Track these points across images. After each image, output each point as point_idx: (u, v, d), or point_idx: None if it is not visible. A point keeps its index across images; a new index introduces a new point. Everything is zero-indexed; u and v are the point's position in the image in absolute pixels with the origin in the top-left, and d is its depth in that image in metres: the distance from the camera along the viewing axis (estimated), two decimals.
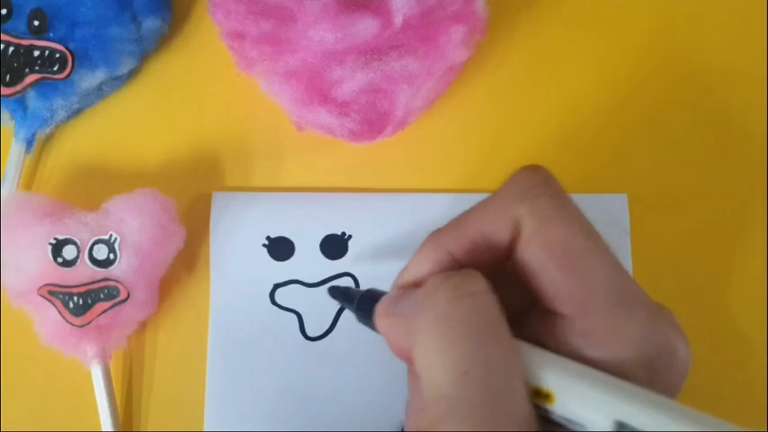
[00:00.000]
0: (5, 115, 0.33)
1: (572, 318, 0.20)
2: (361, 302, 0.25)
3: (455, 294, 0.20)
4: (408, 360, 0.21)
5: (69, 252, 0.30)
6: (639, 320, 0.20)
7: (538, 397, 0.19)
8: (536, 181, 0.21)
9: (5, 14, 0.32)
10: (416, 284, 0.22)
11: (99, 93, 0.34)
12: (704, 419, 0.18)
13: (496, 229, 0.21)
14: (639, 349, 0.19)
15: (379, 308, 0.23)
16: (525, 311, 0.22)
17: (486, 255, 0.22)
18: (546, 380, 0.19)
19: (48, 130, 0.34)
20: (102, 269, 0.30)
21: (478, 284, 0.20)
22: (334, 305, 0.33)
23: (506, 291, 0.21)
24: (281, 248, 0.33)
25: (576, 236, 0.20)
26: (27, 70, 0.32)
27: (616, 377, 0.19)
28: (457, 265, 0.22)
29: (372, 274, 0.33)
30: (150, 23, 0.33)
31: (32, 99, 0.33)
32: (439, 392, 0.19)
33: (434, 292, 0.20)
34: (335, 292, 0.29)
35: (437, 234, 0.23)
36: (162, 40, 0.35)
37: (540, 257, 0.20)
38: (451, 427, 0.18)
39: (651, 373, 0.19)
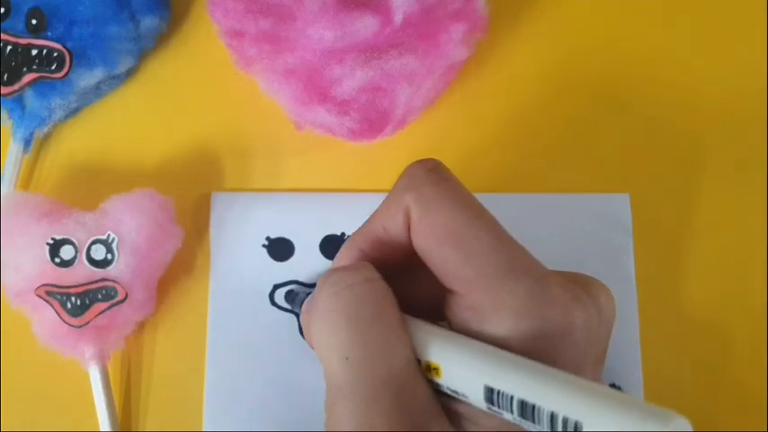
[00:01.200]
0: (3, 114, 0.33)
1: (461, 294, 0.21)
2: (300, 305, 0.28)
3: (334, 289, 0.21)
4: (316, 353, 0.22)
5: (67, 252, 0.30)
6: (521, 292, 0.20)
7: (430, 372, 0.21)
8: (421, 171, 0.23)
9: (3, 13, 0.32)
10: None
11: (97, 92, 0.34)
12: (566, 379, 0.18)
13: (392, 222, 0.23)
14: (522, 321, 0.20)
15: (303, 309, 0.26)
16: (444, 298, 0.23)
17: (391, 247, 0.23)
18: (432, 354, 0.21)
19: (45, 130, 0.34)
20: (99, 269, 0.30)
21: (358, 275, 0.22)
22: None
23: (423, 276, 0.23)
24: (280, 249, 0.33)
25: (456, 217, 0.21)
26: (25, 69, 0.32)
27: (495, 347, 0.20)
28: (369, 261, 0.23)
29: None
30: (148, 22, 0.33)
31: (30, 98, 0.33)
32: (329, 380, 0.21)
33: (319, 288, 0.22)
34: (288, 298, 0.32)
35: (353, 234, 0.24)
36: (160, 39, 0.35)
37: (427, 241, 0.22)
38: (340, 410, 0.20)
39: (540, 345, 0.20)
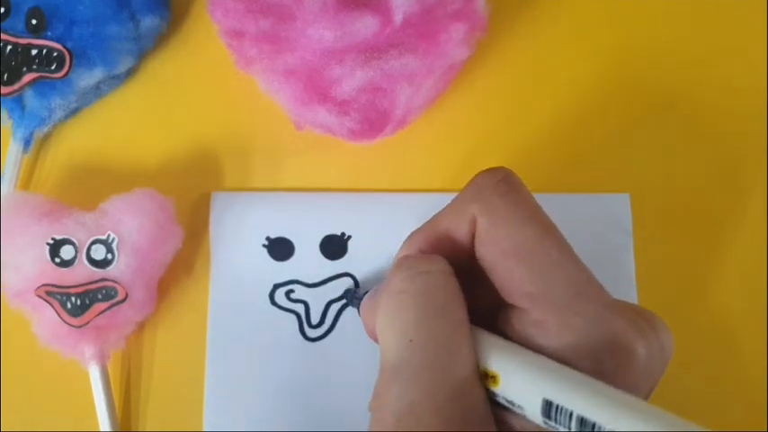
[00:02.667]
0: (3, 114, 0.33)
1: (523, 309, 0.21)
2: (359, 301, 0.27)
3: (409, 272, 0.21)
4: (377, 340, 0.22)
5: (67, 252, 0.30)
6: (588, 313, 0.20)
7: (487, 380, 0.20)
8: (490, 181, 0.22)
9: (3, 13, 0.32)
10: None
11: (97, 92, 0.34)
12: (628, 403, 0.18)
13: (457, 228, 0.22)
14: (585, 340, 0.20)
15: (363, 300, 0.26)
16: (500, 308, 0.23)
17: (453, 252, 0.23)
18: (492, 362, 0.20)
19: (45, 130, 0.34)
20: (99, 269, 0.30)
21: (435, 265, 0.21)
22: (334, 306, 0.33)
23: (481, 286, 0.22)
24: (280, 249, 0.33)
25: (525, 232, 0.21)
26: (25, 69, 0.32)
27: (556, 362, 0.20)
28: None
29: (372, 274, 0.33)
30: (148, 22, 0.33)
31: (30, 98, 0.33)
32: (387, 360, 0.20)
33: (393, 272, 0.22)
34: (347, 295, 0.32)
35: (412, 234, 0.24)
36: (160, 39, 0.35)
37: (493, 254, 0.21)
38: (395, 391, 0.20)
39: (599, 367, 0.20)
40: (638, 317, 0.21)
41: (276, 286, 0.33)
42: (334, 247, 0.33)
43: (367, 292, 0.28)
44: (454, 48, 0.32)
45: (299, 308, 0.33)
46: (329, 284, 0.33)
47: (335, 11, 0.30)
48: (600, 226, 0.33)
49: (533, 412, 0.19)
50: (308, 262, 0.33)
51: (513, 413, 0.20)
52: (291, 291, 0.33)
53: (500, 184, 0.22)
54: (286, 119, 0.33)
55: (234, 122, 0.35)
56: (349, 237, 0.33)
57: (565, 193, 0.34)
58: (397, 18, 0.30)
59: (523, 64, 0.35)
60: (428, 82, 0.32)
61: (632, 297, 0.33)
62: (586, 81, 0.35)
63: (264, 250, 0.33)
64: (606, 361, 0.20)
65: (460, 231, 0.22)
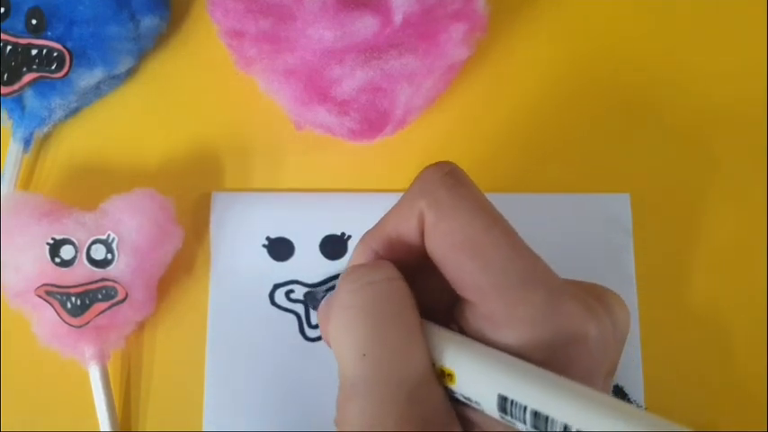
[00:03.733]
0: (3, 114, 0.33)
1: (476, 303, 0.21)
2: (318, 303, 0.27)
3: (354, 285, 0.21)
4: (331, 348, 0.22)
5: (67, 252, 0.30)
6: (536, 302, 0.20)
7: (444, 378, 0.20)
8: (436, 175, 0.22)
9: (3, 13, 0.32)
10: None
11: (97, 92, 0.34)
12: (582, 392, 0.18)
13: (406, 226, 0.22)
14: (537, 330, 0.20)
15: (320, 308, 0.25)
16: (455, 303, 0.23)
17: (404, 250, 0.23)
18: (446, 359, 0.20)
19: (45, 130, 0.34)
20: (99, 269, 0.30)
21: (380, 272, 0.21)
22: None
23: (435, 282, 0.22)
24: (280, 249, 0.33)
25: (472, 223, 0.21)
26: (25, 69, 0.32)
27: (510, 356, 0.20)
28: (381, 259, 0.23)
29: None
30: (148, 22, 0.33)
31: (30, 98, 0.33)
32: (344, 375, 0.20)
33: (340, 284, 0.21)
34: (307, 297, 0.32)
35: (365, 234, 0.24)
36: (160, 39, 0.35)
37: (441, 248, 0.21)
38: (354, 407, 0.20)
39: (555, 355, 0.20)
40: (588, 296, 0.21)
41: (276, 286, 0.33)
42: (334, 247, 0.33)
43: (325, 295, 0.27)
44: (454, 48, 0.32)
45: (299, 308, 0.33)
46: (329, 284, 0.33)
47: (335, 11, 0.30)
48: (600, 226, 0.33)
49: (490, 408, 0.19)
50: (308, 262, 0.33)
51: (474, 409, 0.20)
52: (291, 291, 0.33)
53: (446, 178, 0.22)
54: (286, 119, 0.33)
55: (234, 122, 0.35)
56: (349, 237, 0.33)
57: (565, 192, 0.34)
58: (397, 18, 0.30)
59: (523, 64, 0.35)
60: (428, 82, 0.32)
61: (632, 297, 0.33)
62: (586, 81, 0.35)
63: (264, 250, 0.33)
64: (559, 348, 0.19)
65: (410, 229, 0.22)
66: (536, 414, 0.18)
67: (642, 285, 0.33)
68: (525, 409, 0.18)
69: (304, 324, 0.32)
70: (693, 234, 0.34)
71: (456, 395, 0.20)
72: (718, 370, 0.33)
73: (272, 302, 0.33)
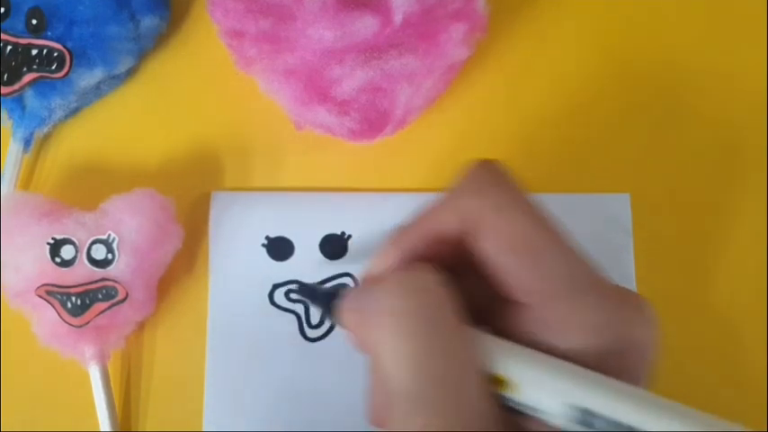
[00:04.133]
0: (3, 114, 0.33)
1: (530, 307, 0.20)
2: (325, 299, 0.26)
3: (403, 291, 0.20)
4: (369, 354, 0.21)
5: (67, 252, 0.30)
6: (595, 308, 0.20)
7: (495, 384, 0.20)
8: (488, 175, 0.22)
9: (3, 13, 0.32)
10: (377, 281, 0.22)
11: (97, 92, 0.34)
12: (656, 402, 0.18)
13: (451, 225, 0.21)
14: (595, 336, 0.19)
15: (343, 304, 0.24)
16: (492, 303, 0.23)
17: (441, 250, 0.22)
18: (502, 367, 0.20)
19: (46, 130, 0.34)
20: (100, 269, 0.30)
21: (428, 279, 0.21)
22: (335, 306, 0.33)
23: (472, 284, 0.22)
24: (280, 248, 0.33)
25: (530, 226, 0.20)
26: (25, 69, 0.32)
27: (573, 364, 0.19)
28: (416, 261, 0.22)
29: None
30: (148, 22, 0.33)
31: (30, 98, 0.33)
32: (397, 387, 0.19)
33: (388, 288, 0.21)
34: (304, 291, 0.28)
35: (396, 233, 0.23)
36: (160, 39, 0.35)
37: (497, 249, 0.21)
38: (418, 421, 0.19)
39: (610, 360, 0.19)
40: (638, 305, 0.21)
41: (275, 286, 0.33)
42: (333, 246, 0.33)
43: (328, 291, 0.26)
44: (454, 48, 0.32)
45: (299, 308, 0.33)
46: (329, 284, 0.33)
47: (335, 11, 0.30)
48: (600, 226, 0.33)
49: (556, 416, 0.19)
50: (307, 262, 0.33)
51: (527, 416, 0.20)
52: (291, 291, 0.33)
53: (497, 177, 0.22)
54: (286, 119, 0.33)
55: (234, 122, 0.35)
56: (349, 236, 0.33)
57: (565, 193, 0.34)
58: (397, 18, 0.30)
59: (523, 64, 0.35)
60: (428, 82, 0.32)
61: None
62: (586, 81, 0.35)
63: (264, 250, 0.33)
64: (616, 354, 0.19)
65: (452, 229, 0.21)
66: (613, 423, 0.18)
67: (642, 285, 0.33)
68: (604, 420, 0.18)
69: (304, 324, 0.33)
70: (693, 234, 0.34)
71: (510, 402, 0.20)
72: (718, 369, 0.33)
73: (272, 302, 0.33)
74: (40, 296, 0.30)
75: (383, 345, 0.20)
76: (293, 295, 0.33)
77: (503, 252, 0.21)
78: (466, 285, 0.22)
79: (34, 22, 0.32)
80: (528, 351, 0.20)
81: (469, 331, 0.20)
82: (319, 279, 0.33)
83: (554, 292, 0.20)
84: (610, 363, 0.19)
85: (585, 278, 0.20)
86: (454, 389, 0.19)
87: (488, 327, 0.21)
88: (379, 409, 0.22)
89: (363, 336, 0.22)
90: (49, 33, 0.32)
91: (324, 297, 0.26)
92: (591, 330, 0.20)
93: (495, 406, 0.20)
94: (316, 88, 0.31)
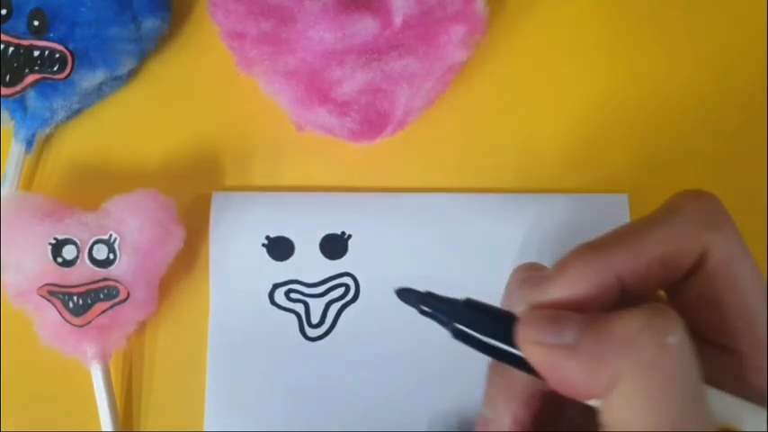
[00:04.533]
0: (5, 115, 0.33)
1: (745, 354, 0.20)
2: (499, 322, 0.20)
3: (662, 340, 0.17)
4: (591, 399, 0.19)
5: (69, 252, 0.30)
6: None
7: None
8: (719, 210, 0.21)
9: (5, 14, 0.32)
10: (567, 305, 0.19)
11: (99, 93, 0.34)
12: None
13: (681, 255, 0.20)
14: None
15: (528, 333, 0.19)
16: None
17: (657, 281, 0.20)
18: (745, 426, 0.18)
19: (48, 130, 0.34)
20: (101, 269, 0.30)
21: (679, 328, 0.18)
22: (334, 305, 0.33)
23: None
24: (280, 248, 0.33)
25: (755, 268, 0.20)
26: (27, 70, 0.32)
27: None
28: (618, 290, 0.20)
29: (373, 273, 0.33)
30: (150, 23, 0.33)
31: (32, 99, 0.33)
32: None
33: (638, 334, 0.18)
34: (410, 298, 0.22)
35: (598, 250, 0.20)
36: (162, 40, 0.35)
37: (727, 290, 0.20)
38: None
39: None
40: None
41: (276, 286, 0.33)
42: (334, 246, 0.33)
43: (464, 303, 0.21)
44: (454, 49, 0.32)
45: (299, 308, 0.33)
46: (329, 284, 0.33)
47: (336, 13, 0.30)
48: (599, 226, 0.33)
49: None
50: (307, 261, 0.33)
51: None
52: (291, 290, 0.33)
53: (728, 217, 0.20)
54: (287, 120, 0.33)
55: (235, 123, 0.35)
56: (349, 236, 0.33)
57: (565, 193, 0.34)
58: (397, 20, 0.30)
59: (523, 65, 0.36)
60: (428, 83, 0.32)
61: None
62: (585, 81, 0.35)
63: (264, 250, 0.33)
64: None
65: (684, 259, 0.20)
66: None
67: None
68: None
69: (304, 324, 0.33)
70: None
71: None
72: None
73: (272, 302, 0.33)
74: (42, 296, 0.30)
75: (629, 402, 0.17)
76: (293, 295, 0.33)
77: (732, 293, 0.20)
78: None
79: (36, 23, 0.32)
80: (756, 407, 0.19)
81: (705, 391, 0.18)
82: (319, 279, 0.33)
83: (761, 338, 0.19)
84: None
85: None
86: None
87: None
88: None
89: (584, 381, 0.18)
90: (51, 35, 0.32)
91: (496, 320, 0.20)
92: None
93: None
94: (316, 89, 0.31)
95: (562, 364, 0.18)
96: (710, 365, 0.18)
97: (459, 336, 0.20)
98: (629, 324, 0.18)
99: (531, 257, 0.32)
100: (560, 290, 0.20)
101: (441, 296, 0.21)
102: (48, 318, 0.30)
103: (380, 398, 0.32)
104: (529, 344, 0.19)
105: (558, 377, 0.19)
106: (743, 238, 0.20)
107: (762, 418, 0.18)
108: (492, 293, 0.22)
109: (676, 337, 0.17)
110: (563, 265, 0.20)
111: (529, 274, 0.21)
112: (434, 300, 0.21)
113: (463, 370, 0.30)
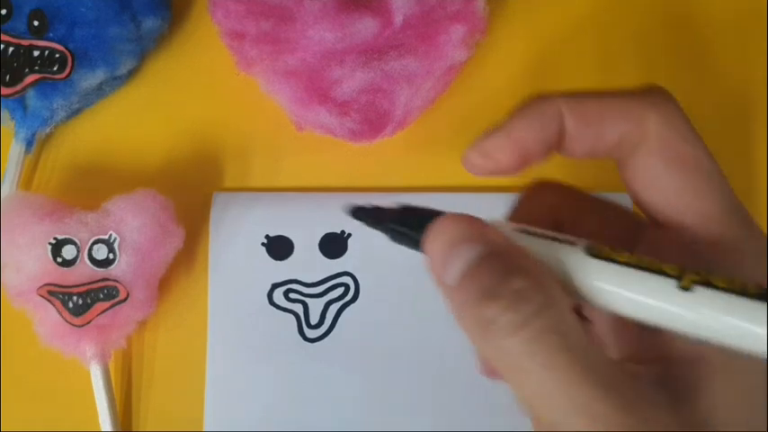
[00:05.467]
0: (5, 115, 0.33)
1: (675, 229, 0.20)
2: (403, 221, 0.22)
3: (527, 312, 0.17)
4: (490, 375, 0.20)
5: (69, 252, 0.30)
6: (757, 236, 0.19)
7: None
8: (665, 94, 0.21)
9: (5, 14, 0.32)
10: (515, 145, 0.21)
11: (99, 92, 0.34)
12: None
13: (622, 124, 0.21)
14: (761, 262, 0.19)
15: (437, 257, 0.20)
16: (632, 235, 0.22)
17: (594, 145, 0.21)
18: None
19: (47, 130, 0.34)
20: (101, 269, 0.30)
21: (552, 295, 0.18)
22: (333, 306, 0.33)
23: (609, 219, 0.22)
24: (280, 247, 0.33)
25: (699, 146, 0.20)
26: (27, 70, 0.32)
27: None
28: (557, 138, 0.22)
29: (373, 273, 0.33)
30: (150, 23, 0.33)
31: (32, 99, 0.33)
32: (548, 416, 0.17)
33: (513, 306, 0.17)
34: (359, 213, 0.24)
35: (549, 98, 0.22)
36: (161, 40, 0.35)
37: (671, 165, 0.20)
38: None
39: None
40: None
41: (275, 286, 0.33)
42: (333, 245, 0.33)
43: (400, 210, 0.22)
44: (454, 49, 0.32)
45: (298, 308, 0.33)
46: (328, 283, 0.33)
47: (336, 12, 0.30)
48: None
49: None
50: (307, 261, 0.33)
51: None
52: (290, 290, 0.33)
53: (671, 97, 0.21)
54: (286, 119, 0.33)
55: (235, 123, 0.35)
56: (349, 235, 0.33)
57: None
58: (397, 20, 0.30)
59: (523, 65, 0.36)
60: (428, 83, 0.32)
61: None
62: (585, 81, 0.35)
63: (263, 249, 0.33)
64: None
65: (629, 133, 0.21)
66: None
67: None
68: None
69: (303, 325, 0.33)
70: None
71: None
72: None
73: (271, 302, 0.33)
74: (42, 296, 0.30)
75: (522, 373, 0.17)
76: (291, 295, 0.33)
77: (676, 167, 0.20)
78: (603, 224, 0.22)
79: (36, 23, 0.32)
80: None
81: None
82: (319, 279, 0.33)
83: (718, 213, 0.19)
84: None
85: (736, 202, 0.20)
86: (628, 398, 0.17)
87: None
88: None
89: (496, 357, 0.18)
90: (51, 35, 0.32)
91: (395, 220, 0.22)
92: (753, 256, 0.19)
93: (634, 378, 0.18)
94: (316, 89, 0.31)
95: (454, 300, 0.19)
96: (661, 244, 0.20)
97: (396, 238, 0.22)
98: (506, 293, 0.18)
99: None
100: (484, 153, 0.22)
101: (379, 206, 0.23)
102: (47, 318, 0.30)
103: (380, 398, 0.32)
104: (435, 263, 0.20)
105: (455, 312, 0.19)
106: (682, 117, 0.21)
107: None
108: None
109: (539, 310, 0.17)
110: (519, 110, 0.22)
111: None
112: (373, 211, 0.23)
113: (463, 370, 0.30)
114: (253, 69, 0.32)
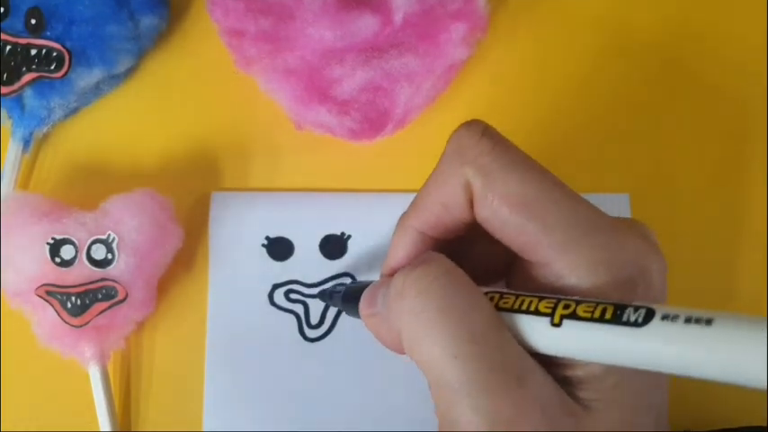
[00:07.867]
0: (3, 114, 0.33)
1: (547, 263, 0.20)
2: (346, 299, 0.26)
3: (421, 285, 0.20)
4: (403, 353, 0.21)
5: (67, 252, 0.30)
6: (602, 246, 0.20)
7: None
8: (473, 140, 0.21)
9: (2, 13, 0.32)
10: (399, 268, 0.22)
11: (97, 91, 0.34)
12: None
13: (452, 198, 0.21)
14: (607, 273, 0.20)
15: (361, 308, 0.24)
16: (510, 266, 0.23)
17: (452, 223, 0.22)
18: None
19: (45, 129, 0.34)
20: (99, 269, 0.30)
21: (440, 267, 0.20)
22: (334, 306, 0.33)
23: (487, 250, 0.22)
24: (280, 248, 0.33)
25: (525, 184, 0.20)
26: (24, 69, 0.32)
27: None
28: (430, 242, 0.23)
29: (372, 274, 0.33)
30: (148, 21, 0.33)
31: (29, 98, 0.33)
32: (438, 382, 0.20)
33: (402, 288, 0.21)
34: (323, 296, 0.31)
35: (403, 217, 0.23)
36: (160, 38, 0.35)
37: (498, 213, 0.21)
38: (466, 408, 0.19)
39: (631, 291, 0.20)
40: (642, 234, 0.21)
41: (275, 286, 0.33)
42: (333, 246, 0.33)
43: (345, 291, 0.27)
44: (454, 48, 0.32)
45: (299, 308, 0.33)
46: (329, 284, 0.33)
47: (336, 10, 0.30)
48: None
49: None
50: (307, 262, 0.33)
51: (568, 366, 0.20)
52: (291, 291, 0.33)
53: (484, 141, 0.21)
54: (286, 119, 0.33)
55: (234, 122, 0.35)
56: (349, 236, 0.33)
57: None
58: (398, 18, 0.30)
59: (523, 64, 0.35)
60: (428, 82, 0.32)
61: None
62: (586, 81, 0.35)
63: (264, 250, 0.33)
64: (625, 286, 0.19)
65: (456, 200, 0.21)
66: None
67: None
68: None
69: (303, 325, 0.33)
70: (692, 234, 0.34)
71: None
72: None
73: (272, 302, 0.33)
74: (40, 296, 0.30)
75: (413, 346, 0.20)
76: (292, 296, 0.33)
77: (506, 214, 0.20)
78: (477, 254, 0.22)
79: (33, 21, 0.32)
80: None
81: (491, 307, 0.20)
82: (319, 279, 0.33)
83: (560, 241, 0.20)
84: (626, 293, 0.19)
85: (587, 221, 0.20)
86: (491, 368, 0.19)
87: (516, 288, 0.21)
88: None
89: (388, 340, 0.22)
90: (49, 33, 0.32)
91: (342, 297, 0.27)
92: (602, 268, 0.19)
93: (542, 372, 0.20)
94: (316, 88, 0.31)
95: (377, 329, 0.23)
96: (528, 279, 0.21)
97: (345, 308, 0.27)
98: (397, 281, 0.21)
99: None
100: (390, 261, 0.23)
101: (334, 288, 0.29)
102: (46, 318, 0.30)
103: (380, 399, 0.32)
104: (362, 317, 0.24)
105: (380, 338, 0.23)
106: (506, 154, 0.21)
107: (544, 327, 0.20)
108: None
109: (432, 278, 0.20)
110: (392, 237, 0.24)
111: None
112: (329, 294, 0.29)
113: None
114: (252, 68, 0.32)
